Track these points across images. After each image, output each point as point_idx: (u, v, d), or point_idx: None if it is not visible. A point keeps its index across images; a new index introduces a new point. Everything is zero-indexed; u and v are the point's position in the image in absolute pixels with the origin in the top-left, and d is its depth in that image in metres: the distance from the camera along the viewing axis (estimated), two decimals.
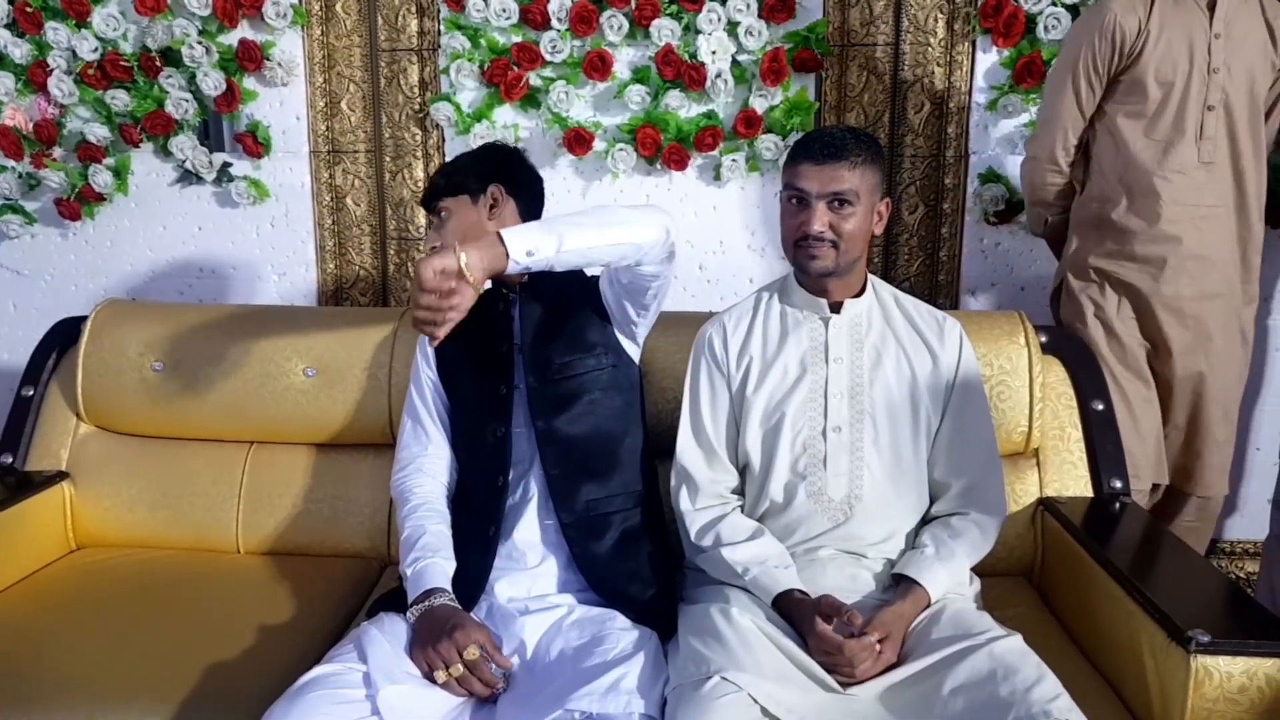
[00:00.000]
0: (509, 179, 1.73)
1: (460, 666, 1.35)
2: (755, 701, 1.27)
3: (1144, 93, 2.04)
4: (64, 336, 2.07)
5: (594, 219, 1.43)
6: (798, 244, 1.57)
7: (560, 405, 1.63)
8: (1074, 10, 2.41)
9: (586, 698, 1.27)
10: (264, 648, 1.59)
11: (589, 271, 1.65)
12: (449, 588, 1.48)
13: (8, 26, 2.68)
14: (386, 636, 1.42)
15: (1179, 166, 2.04)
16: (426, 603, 1.44)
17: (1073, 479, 1.89)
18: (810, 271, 1.59)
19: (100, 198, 2.76)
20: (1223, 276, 2.11)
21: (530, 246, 1.34)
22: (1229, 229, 2.09)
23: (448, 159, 2.65)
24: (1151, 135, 2.06)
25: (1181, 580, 1.54)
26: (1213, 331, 2.13)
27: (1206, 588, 1.52)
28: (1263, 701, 1.29)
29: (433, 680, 1.35)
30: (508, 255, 1.32)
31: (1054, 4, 2.41)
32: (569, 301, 1.70)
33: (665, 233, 1.49)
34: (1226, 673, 1.30)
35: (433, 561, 1.50)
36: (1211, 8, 2.02)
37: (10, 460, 1.98)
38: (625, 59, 2.58)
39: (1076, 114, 2.12)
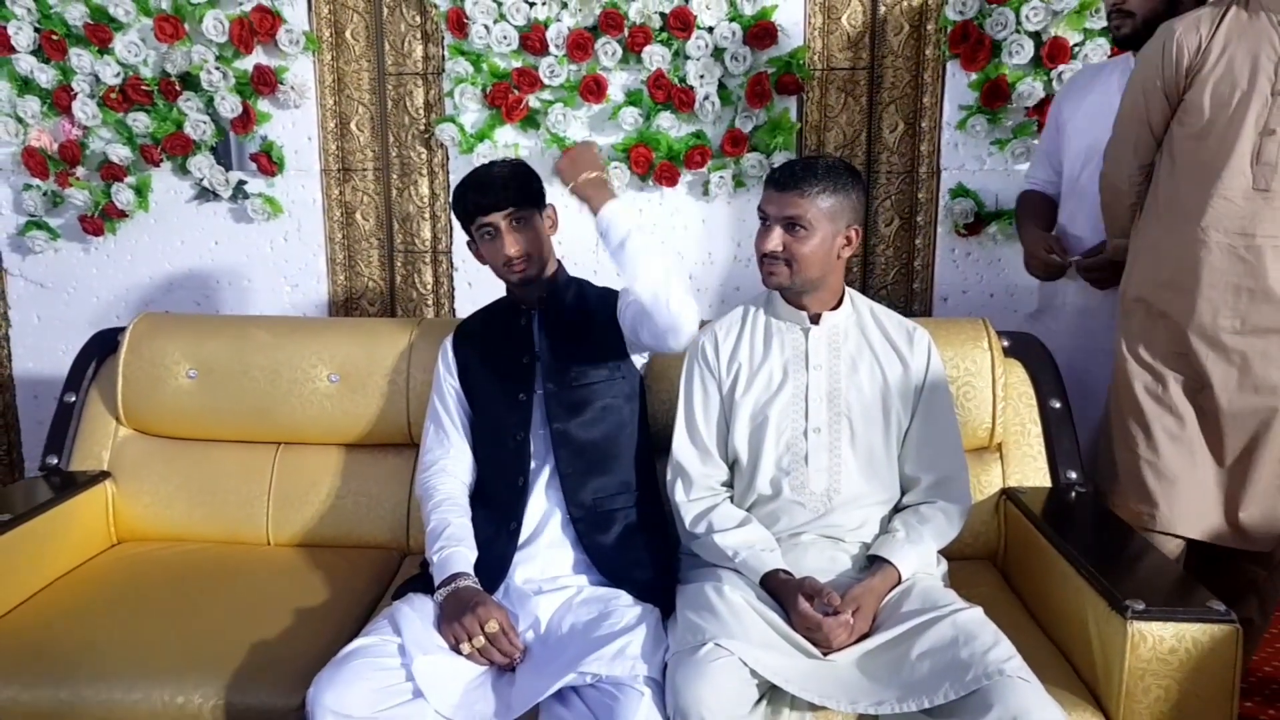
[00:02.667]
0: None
1: (482, 639, 1.51)
2: (745, 665, 1.44)
3: (1200, 112, 1.86)
4: (103, 346, 2.21)
5: (657, 246, 1.69)
6: (760, 260, 1.74)
7: (574, 410, 1.78)
8: (1035, 37, 2.58)
9: (596, 662, 1.44)
10: (300, 628, 1.74)
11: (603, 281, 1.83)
12: (471, 572, 1.64)
13: (34, 53, 2.82)
14: (417, 613, 1.58)
15: (1225, 192, 1.83)
16: (452, 585, 1.60)
17: (1033, 471, 2.05)
18: (768, 285, 1.76)
19: (122, 214, 2.90)
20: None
21: (616, 216, 1.68)
22: None
23: (452, 176, 2.82)
24: (1200, 157, 1.87)
25: (1124, 559, 1.71)
26: (1265, 369, 1.87)
27: (1146, 565, 1.69)
28: (1189, 661, 1.47)
29: (459, 652, 1.52)
30: (603, 204, 1.68)
31: (1017, 31, 2.57)
32: (584, 318, 1.85)
33: (684, 306, 1.66)
34: (1159, 636, 1.47)
35: (457, 550, 1.67)
36: None
37: (56, 461, 2.13)
38: (619, 82, 2.73)
39: (1145, 133, 1.97)
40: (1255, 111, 1.81)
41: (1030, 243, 2.37)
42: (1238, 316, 1.86)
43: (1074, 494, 2.01)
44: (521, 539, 1.75)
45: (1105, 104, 2.20)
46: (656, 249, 1.69)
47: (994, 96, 2.63)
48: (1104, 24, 2.53)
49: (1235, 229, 1.83)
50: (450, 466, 1.84)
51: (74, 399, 2.17)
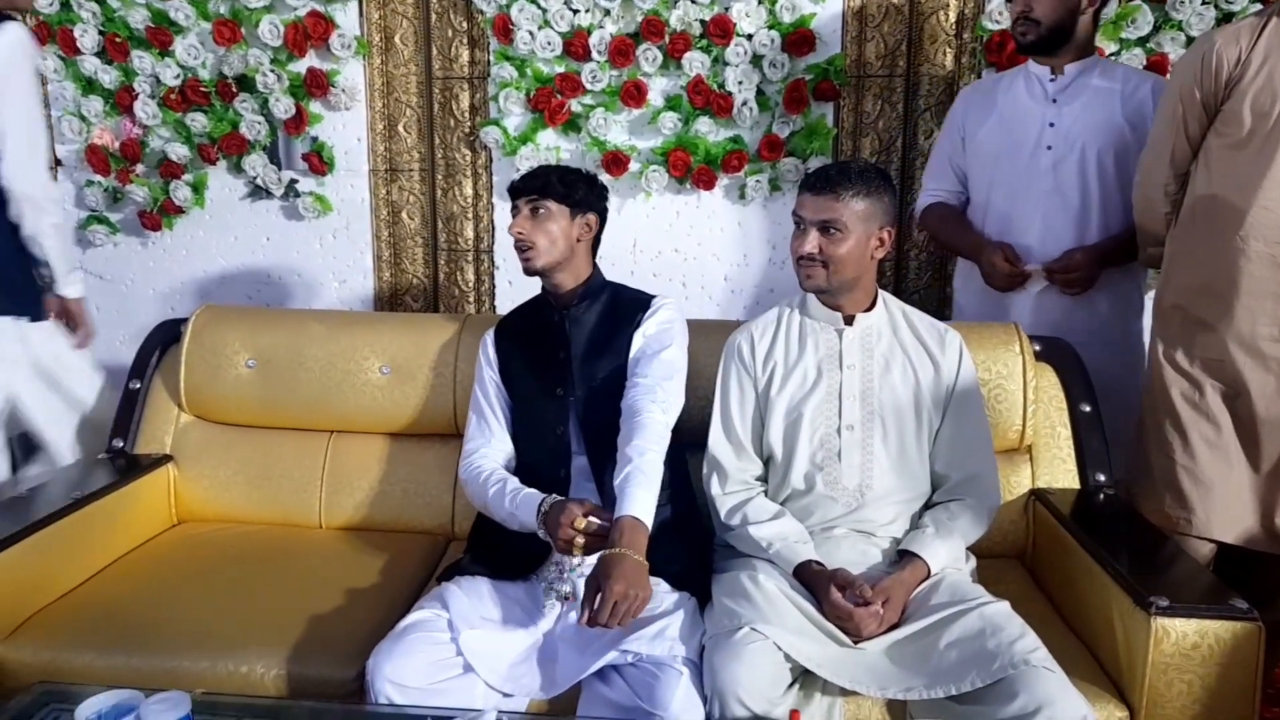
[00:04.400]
0: (603, 214, 1.94)
1: (580, 537, 1.60)
2: (779, 649, 1.50)
3: (1239, 122, 1.89)
4: (165, 336, 2.32)
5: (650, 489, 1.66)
6: (797, 262, 1.80)
7: (606, 415, 1.82)
8: None
9: (637, 641, 1.51)
10: (352, 605, 1.83)
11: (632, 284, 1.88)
12: (548, 495, 1.70)
13: (98, 55, 2.93)
14: (464, 592, 1.66)
15: (1265, 202, 1.85)
16: (541, 510, 1.67)
17: (1062, 473, 2.10)
18: (805, 287, 1.82)
19: (180, 210, 3.01)
20: None
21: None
22: None
23: (495, 178, 2.91)
24: (1239, 167, 1.90)
25: (1150, 557, 1.76)
26: None
27: (1171, 564, 1.74)
28: (1212, 657, 1.52)
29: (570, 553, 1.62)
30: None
31: None
32: (615, 318, 1.90)
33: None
34: (1182, 632, 1.53)
35: (528, 492, 1.74)
36: None
37: (121, 445, 2.24)
38: (659, 88, 2.80)
39: (1182, 142, 2.00)
40: None
41: (986, 254, 2.35)
42: (1276, 324, 1.88)
43: (1102, 495, 2.05)
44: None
45: (1012, 113, 2.32)
46: (657, 478, 1.68)
47: None
48: (1140, 33, 2.57)
49: (1275, 238, 1.86)
50: (491, 453, 1.90)
51: (139, 386, 2.28)
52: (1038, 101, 2.32)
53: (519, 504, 1.72)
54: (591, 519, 1.60)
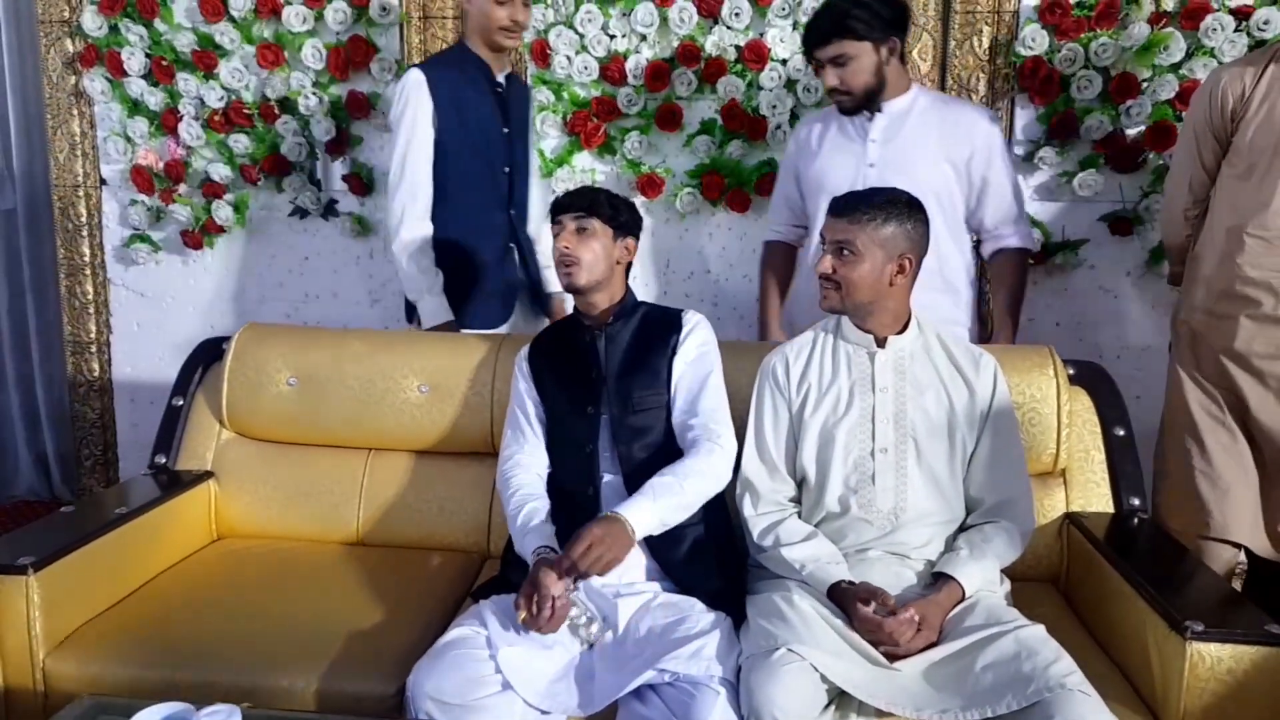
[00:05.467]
0: (639, 235, 1.97)
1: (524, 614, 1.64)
2: (815, 670, 1.51)
3: (1242, 155, 2.06)
4: (207, 354, 2.36)
5: (675, 499, 1.75)
6: (819, 283, 1.83)
7: (638, 434, 1.86)
8: (1104, 72, 2.64)
9: (674, 660, 1.53)
10: (391, 622, 1.85)
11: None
12: (543, 546, 1.74)
13: (144, 77, 3.01)
14: (500, 610, 1.69)
15: (1261, 232, 2.04)
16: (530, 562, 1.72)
17: (1096, 496, 2.09)
18: (821, 307, 1.84)
19: (221, 229, 3.07)
20: None
21: (645, 525, 1.70)
22: None
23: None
24: (1242, 197, 2.07)
25: (1185, 583, 1.75)
26: None
27: (1206, 589, 1.74)
28: (1248, 682, 1.52)
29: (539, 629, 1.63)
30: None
31: (1087, 66, 2.64)
32: (649, 339, 1.92)
33: (709, 494, 1.83)
34: (1217, 657, 1.52)
35: (536, 526, 1.79)
36: None
37: (164, 460, 2.28)
38: (694, 111, 2.84)
39: (1198, 169, 2.16)
40: None
41: (765, 316, 2.52)
42: (1271, 344, 2.06)
43: (1136, 520, 2.05)
44: None
45: (833, 150, 2.34)
46: (676, 500, 1.75)
47: (1061, 130, 2.69)
48: (1173, 59, 2.58)
49: (1270, 265, 2.03)
50: (524, 460, 1.93)
51: (181, 403, 2.32)
52: (856, 141, 2.32)
53: (525, 536, 1.78)
54: (563, 598, 1.64)
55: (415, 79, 2.40)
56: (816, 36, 2.23)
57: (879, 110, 2.29)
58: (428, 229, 2.45)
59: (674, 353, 1.90)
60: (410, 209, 2.43)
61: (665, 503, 1.73)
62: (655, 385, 1.89)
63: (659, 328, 1.94)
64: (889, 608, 1.60)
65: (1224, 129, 2.08)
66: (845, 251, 1.76)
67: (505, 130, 2.50)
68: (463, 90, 2.44)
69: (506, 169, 2.51)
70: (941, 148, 2.28)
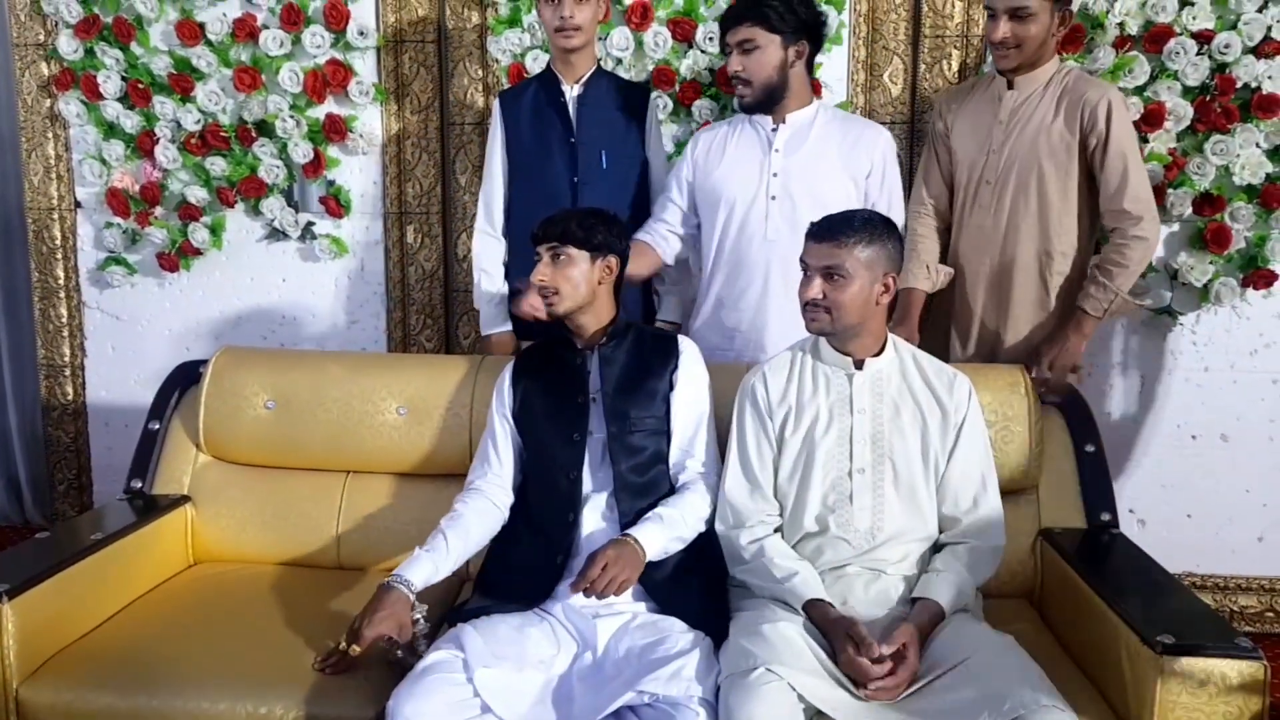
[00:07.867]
0: (624, 255, 1.97)
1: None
2: (794, 690, 1.52)
3: None
4: (184, 378, 2.35)
5: (674, 532, 1.84)
6: (803, 308, 1.84)
7: (633, 453, 1.88)
8: None
9: (653, 682, 1.53)
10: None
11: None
12: (408, 579, 1.77)
13: (120, 100, 3.00)
14: (478, 632, 1.69)
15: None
16: (388, 581, 1.77)
17: (1068, 512, 2.13)
18: (810, 330, 1.86)
19: (198, 252, 3.06)
20: None
21: (655, 548, 1.79)
22: None
23: None
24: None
25: (1156, 597, 1.78)
26: None
27: (1177, 603, 1.77)
28: (1219, 694, 1.54)
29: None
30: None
31: None
32: (645, 361, 1.94)
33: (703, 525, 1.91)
34: (1188, 671, 1.55)
35: (421, 556, 1.82)
36: None
37: (140, 485, 2.26)
38: (669, 134, 2.85)
39: None
40: None
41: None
42: None
43: (1107, 535, 2.08)
44: (575, 565, 1.83)
45: (737, 159, 2.37)
46: (678, 534, 1.85)
47: None
48: (1137, 83, 2.64)
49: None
50: (484, 487, 1.95)
51: (157, 426, 2.31)
52: (761, 150, 2.36)
53: (410, 560, 1.82)
54: (409, 631, 1.71)
55: (495, 107, 2.57)
56: (730, 18, 2.28)
57: (783, 121, 2.33)
58: (492, 244, 2.57)
59: (671, 382, 1.93)
60: (480, 223, 2.59)
61: (672, 534, 1.81)
62: (652, 407, 1.92)
63: (654, 351, 1.97)
64: (874, 656, 1.59)
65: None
66: (835, 275, 1.78)
67: (571, 140, 2.49)
68: (527, 108, 2.49)
69: (575, 179, 2.49)
70: (841, 162, 2.33)
